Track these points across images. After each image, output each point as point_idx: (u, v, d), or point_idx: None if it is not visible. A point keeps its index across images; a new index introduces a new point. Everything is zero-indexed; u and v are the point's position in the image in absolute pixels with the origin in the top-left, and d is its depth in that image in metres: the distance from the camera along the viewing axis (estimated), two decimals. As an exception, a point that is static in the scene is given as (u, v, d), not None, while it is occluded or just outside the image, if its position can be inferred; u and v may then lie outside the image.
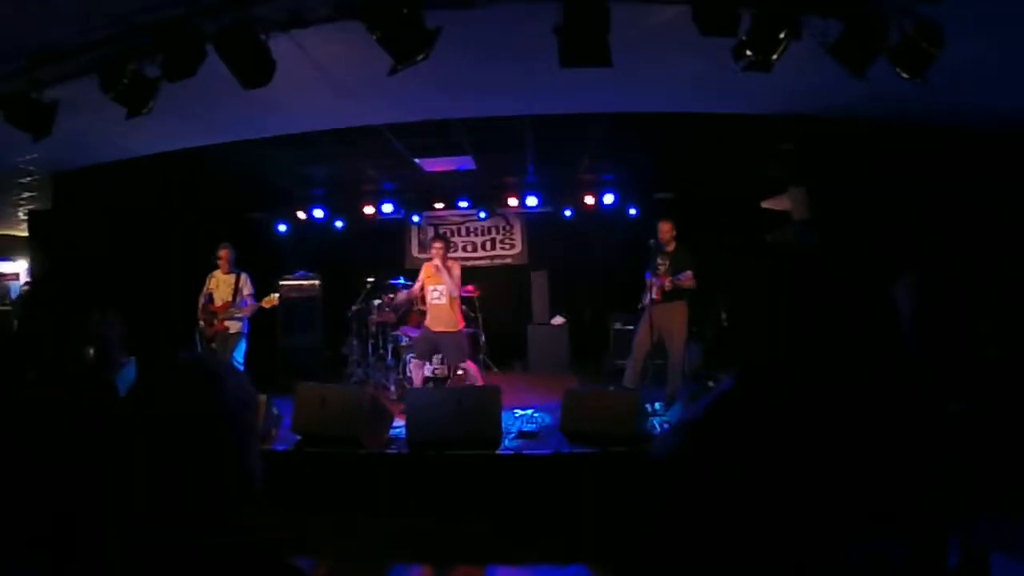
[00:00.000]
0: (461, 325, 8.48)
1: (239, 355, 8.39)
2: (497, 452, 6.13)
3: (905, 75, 4.43)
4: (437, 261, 8.19)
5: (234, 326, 8.42)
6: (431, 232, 13.25)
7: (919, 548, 1.19)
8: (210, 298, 8.49)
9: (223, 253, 8.49)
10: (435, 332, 8.32)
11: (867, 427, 1.22)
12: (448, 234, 13.17)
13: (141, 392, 1.39)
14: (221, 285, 8.50)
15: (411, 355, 8.65)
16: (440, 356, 9.33)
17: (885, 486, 1.18)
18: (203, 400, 1.35)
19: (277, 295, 8.65)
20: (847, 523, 1.14)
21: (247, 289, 8.49)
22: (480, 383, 8.25)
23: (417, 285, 8.60)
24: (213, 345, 8.40)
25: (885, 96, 5.65)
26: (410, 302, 9.62)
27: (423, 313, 9.90)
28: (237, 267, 8.57)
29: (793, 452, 1.19)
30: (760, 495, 1.14)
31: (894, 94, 5.45)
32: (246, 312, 8.42)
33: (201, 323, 8.45)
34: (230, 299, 8.39)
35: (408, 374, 9.25)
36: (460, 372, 8.67)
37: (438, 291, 8.26)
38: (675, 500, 1.20)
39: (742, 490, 1.15)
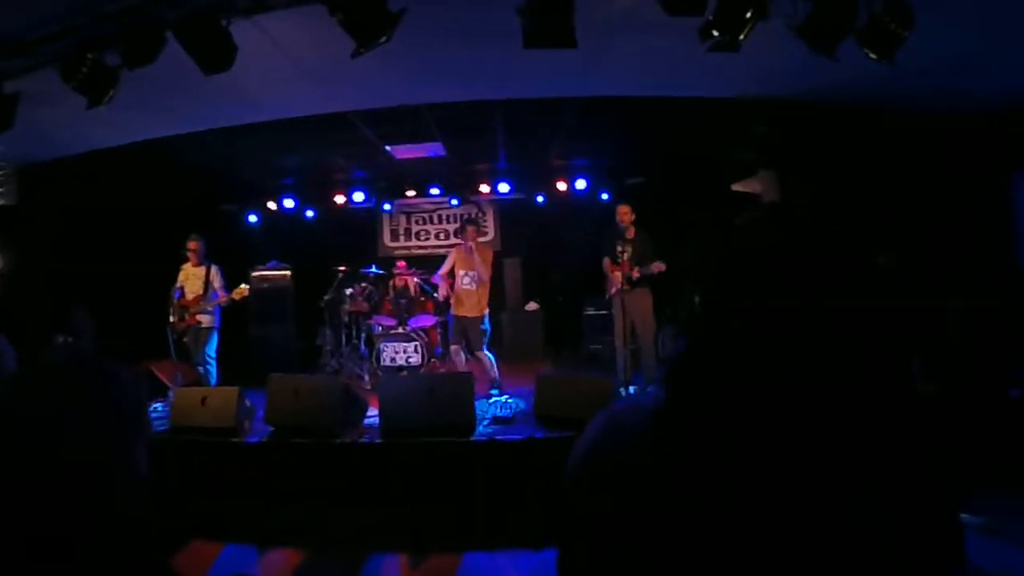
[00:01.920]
0: (487, 309, 8.45)
1: (211, 350, 8.28)
2: (471, 439, 6.12)
3: (873, 56, 4.43)
4: (471, 243, 8.21)
5: (206, 320, 8.27)
6: (403, 220, 13.22)
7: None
8: (181, 292, 8.31)
9: (192, 245, 8.33)
10: (467, 317, 8.29)
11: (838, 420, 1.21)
12: (420, 222, 13.17)
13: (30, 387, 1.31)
14: (191, 278, 8.35)
15: (452, 344, 8.61)
16: (415, 344, 9.30)
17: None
18: (97, 397, 1.30)
19: (247, 286, 8.49)
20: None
21: (217, 282, 8.35)
22: (495, 373, 8.27)
23: (445, 269, 8.56)
24: (185, 339, 8.26)
25: (856, 81, 5.68)
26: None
27: (399, 303, 9.87)
28: (207, 259, 8.43)
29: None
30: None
31: (865, 79, 5.48)
32: (217, 304, 8.27)
33: (172, 318, 8.26)
34: (201, 292, 8.25)
35: (450, 360, 9.17)
36: (459, 358, 8.59)
37: (470, 276, 8.24)
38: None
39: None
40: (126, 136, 7.54)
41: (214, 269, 8.38)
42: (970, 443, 4.42)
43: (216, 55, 4.41)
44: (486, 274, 8.28)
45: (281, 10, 4.53)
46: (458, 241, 12.06)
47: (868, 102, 6.85)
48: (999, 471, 5.08)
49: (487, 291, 8.41)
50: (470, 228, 8.35)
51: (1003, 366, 5.01)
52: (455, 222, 13.04)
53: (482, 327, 8.36)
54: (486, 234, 13.02)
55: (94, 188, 8.90)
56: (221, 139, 7.88)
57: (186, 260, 8.40)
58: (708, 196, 9.81)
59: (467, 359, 8.42)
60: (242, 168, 10.60)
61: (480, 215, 13.03)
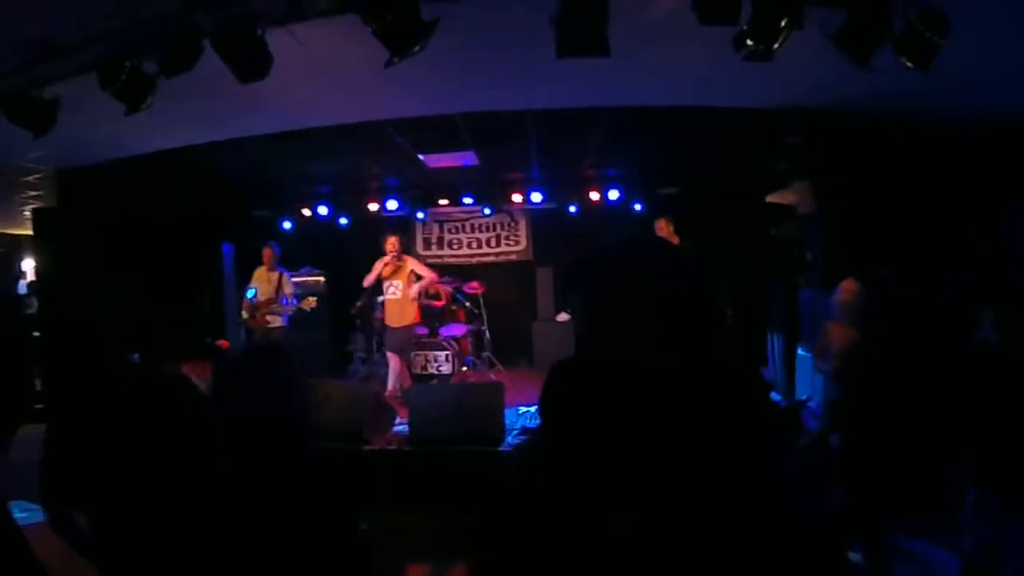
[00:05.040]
0: (417, 318, 8.73)
1: None
2: (499, 449, 6.10)
3: (909, 64, 4.36)
4: (393, 253, 8.60)
5: (276, 321, 8.80)
6: (436, 229, 13.25)
7: None
8: (255, 292, 8.93)
9: (266, 252, 9.01)
10: (393, 327, 8.62)
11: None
12: (453, 230, 13.21)
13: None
14: (264, 282, 8.93)
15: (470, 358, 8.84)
16: (446, 353, 9.31)
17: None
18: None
19: (315, 298, 9.17)
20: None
21: (288, 288, 8.92)
22: (399, 380, 8.49)
23: (371, 278, 8.71)
24: (253, 338, 8.86)
25: (892, 90, 5.59)
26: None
27: (429, 310, 9.91)
28: (279, 266, 9.06)
29: None
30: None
31: (901, 88, 5.40)
32: (288, 311, 8.82)
33: (245, 314, 8.90)
34: (273, 295, 8.80)
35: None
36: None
37: (394, 286, 8.45)
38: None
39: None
40: (163, 142, 7.64)
41: (286, 276, 9.01)
42: (1007, 466, 4.31)
43: (252, 64, 4.45)
44: (428, 279, 8.73)
45: (316, 19, 4.57)
46: (489, 251, 12.14)
47: (903, 113, 6.75)
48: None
49: (414, 304, 8.73)
50: (392, 239, 8.51)
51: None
52: (488, 231, 13.08)
53: (408, 337, 8.78)
54: (517, 243, 13.04)
55: (131, 192, 9.04)
56: (256, 146, 7.95)
57: (261, 264, 9.05)
58: (742, 206, 9.72)
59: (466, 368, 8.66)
60: (277, 175, 10.69)
61: (512, 223, 13.04)
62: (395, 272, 8.53)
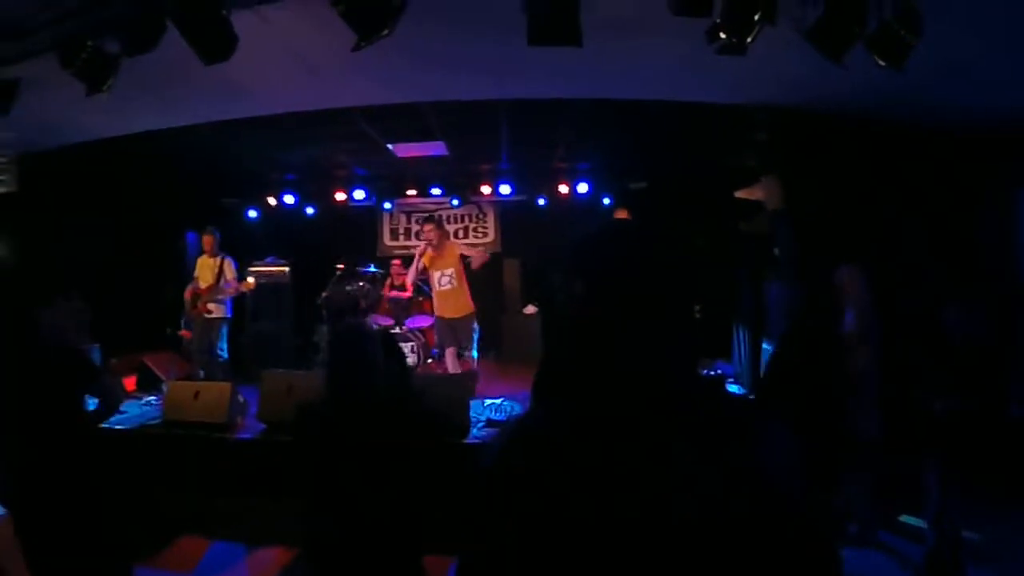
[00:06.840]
0: (473, 307, 8.35)
1: (222, 342, 8.48)
2: (464, 441, 6.05)
3: (882, 63, 4.36)
4: (425, 246, 8.17)
5: (217, 310, 8.57)
6: (403, 220, 13.14)
7: None
8: (195, 282, 8.69)
9: (206, 239, 8.74)
10: (451, 318, 8.22)
11: None
12: (420, 221, 13.10)
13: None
14: (205, 269, 8.68)
15: (445, 347, 8.54)
16: (411, 344, 9.23)
17: None
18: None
19: (253, 279, 8.94)
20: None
21: (230, 273, 8.63)
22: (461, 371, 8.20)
23: (413, 271, 8.47)
24: (194, 326, 8.63)
25: (863, 88, 5.61)
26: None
27: (396, 301, 9.82)
28: (221, 251, 8.77)
29: None
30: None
31: (872, 87, 5.41)
32: (227, 294, 8.57)
33: (187, 305, 8.66)
34: (213, 283, 8.53)
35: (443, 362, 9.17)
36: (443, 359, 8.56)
37: (447, 276, 8.12)
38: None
39: None
40: (127, 126, 7.45)
41: (227, 261, 8.69)
42: (970, 460, 4.36)
43: (215, 44, 4.33)
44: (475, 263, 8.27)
45: (282, 0, 4.47)
46: (457, 242, 12.05)
47: (873, 111, 6.79)
48: (999, 489, 5.02)
49: (467, 291, 8.33)
50: (428, 227, 8.25)
51: (1004, 383, 4.95)
52: (456, 223, 12.99)
53: (474, 328, 8.31)
54: (485, 234, 13.00)
55: (95, 179, 8.84)
56: (222, 132, 7.79)
57: (203, 252, 8.81)
58: (711, 202, 9.76)
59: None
60: (243, 162, 10.52)
61: (480, 215, 12.98)
62: (441, 260, 8.22)
